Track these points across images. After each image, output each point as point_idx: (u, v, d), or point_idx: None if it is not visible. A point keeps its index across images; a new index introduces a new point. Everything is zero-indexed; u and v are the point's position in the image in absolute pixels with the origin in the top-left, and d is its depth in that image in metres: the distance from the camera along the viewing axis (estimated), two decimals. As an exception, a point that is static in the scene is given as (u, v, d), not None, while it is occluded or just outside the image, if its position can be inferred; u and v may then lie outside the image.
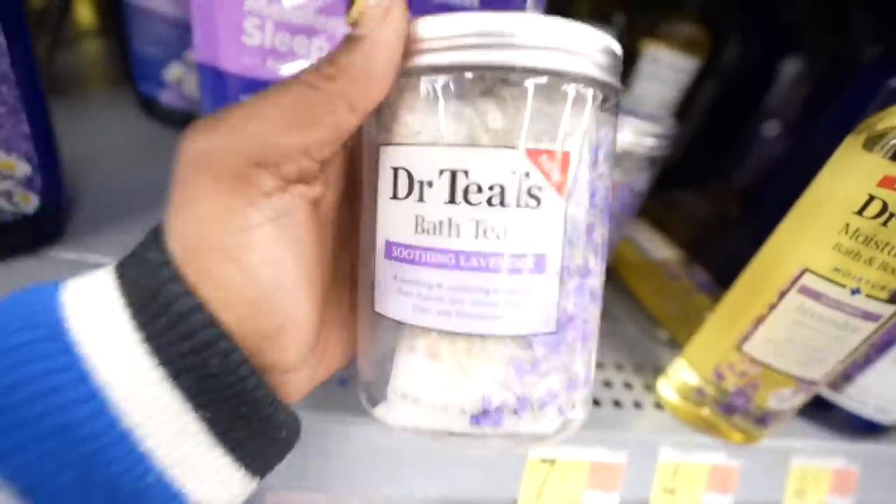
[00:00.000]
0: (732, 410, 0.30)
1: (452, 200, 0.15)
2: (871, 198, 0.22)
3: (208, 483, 0.15)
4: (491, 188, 0.15)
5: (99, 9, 0.58)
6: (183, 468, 0.14)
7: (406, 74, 0.16)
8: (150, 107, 0.45)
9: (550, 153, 0.15)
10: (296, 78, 0.15)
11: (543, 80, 0.15)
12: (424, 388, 0.18)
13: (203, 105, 0.29)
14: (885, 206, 0.22)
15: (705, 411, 0.31)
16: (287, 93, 0.15)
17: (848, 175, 0.23)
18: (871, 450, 0.36)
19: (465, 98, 0.15)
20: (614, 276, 0.45)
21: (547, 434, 0.18)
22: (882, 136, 0.23)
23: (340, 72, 0.15)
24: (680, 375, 0.32)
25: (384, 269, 0.17)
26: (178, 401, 0.14)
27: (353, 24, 0.15)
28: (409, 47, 0.16)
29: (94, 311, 0.13)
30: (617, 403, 0.32)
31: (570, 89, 0.15)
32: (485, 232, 0.16)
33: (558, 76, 0.15)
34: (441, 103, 0.15)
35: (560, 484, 0.29)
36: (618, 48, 0.16)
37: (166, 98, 0.44)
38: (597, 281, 0.18)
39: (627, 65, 0.51)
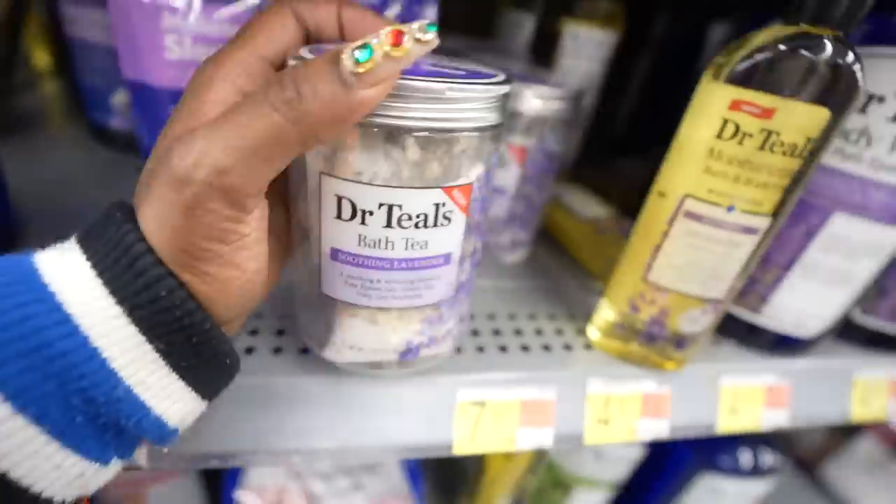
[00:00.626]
0: (653, 339, 0.32)
1: (389, 225, 0.22)
2: (725, 121, 0.25)
3: (166, 402, 0.18)
4: (418, 216, 0.22)
5: (53, 51, 0.61)
6: (145, 388, 0.17)
7: None
8: (102, 134, 0.48)
9: (460, 187, 0.23)
10: (271, 100, 0.16)
11: (454, 134, 0.21)
12: (365, 341, 0.26)
13: (135, 119, 0.32)
14: (737, 128, 0.24)
15: (632, 346, 0.33)
16: (258, 121, 0.16)
17: (705, 106, 0.26)
18: (797, 364, 0.38)
19: (392, 143, 0.20)
20: (550, 237, 0.47)
21: (445, 354, 0.29)
22: (726, 65, 0.25)
23: (318, 113, 0.16)
24: (603, 315, 0.34)
25: (330, 267, 0.24)
26: (135, 334, 0.17)
27: (354, 72, 0.16)
28: None
29: (62, 264, 0.16)
30: (546, 348, 0.34)
31: (470, 138, 0.22)
32: (412, 245, 0.23)
33: (459, 131, 0.21)
34: (378, 150, 0.20)
35: (493, 424, 0.31)
36: (504, 90, 0.22)
37: (115, 123, 0.47)
38: (479, 254, 0.27)
39: (551, 44, 0.53)
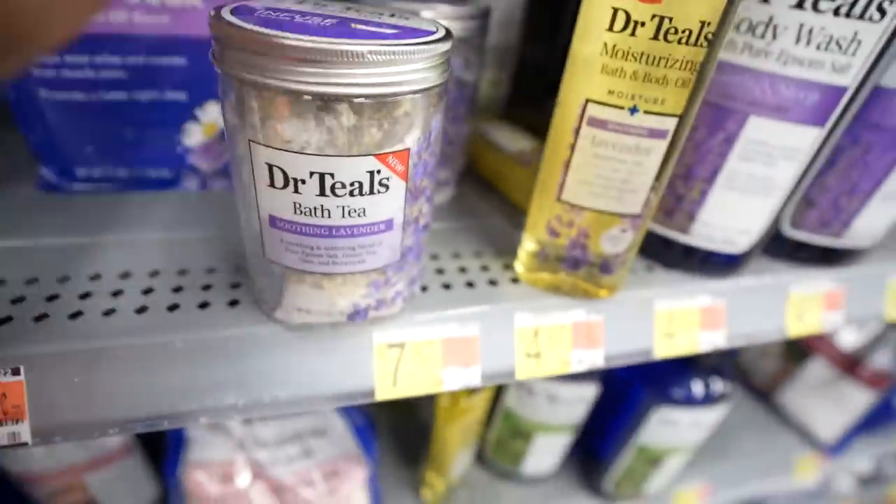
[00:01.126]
0: (576, 264, 0.31)
1: (322, 194, 0.22)
2: (615, 10, 0.23)
3: None
4: (352, 184, 0.22)
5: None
6: None
7: (272, 89, 0.19)
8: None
9: (396, 153, 0.22)
10: None
11: (384, 99, 0.20)
12: (313, 304, 0.26)
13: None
14: (628, 17, 0.23)
15: (559, 275, 0.32)
16: None
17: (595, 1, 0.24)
18: (732, 284, 0.38)
19: (325, 110, 0.20)
20: (477, 176, 0.46)
21: (395, 315, 0.29)
22: None
23: None
24: (525, 247, 0.32)
25: (270, 233, 0.24)
26: None
27: None
28: (275, 65, 0.18)
29: None
30: (470, 284, 0.33)
31: (407, 101, 0.21)
32: (349, 213, 0.22)
33: (395, 95, 0.20)
34: (308, 119, 0.20)
35: (414, 366, 0.30)
36: (442, 49, 0.21)
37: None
38: (425, 218, 0.27)
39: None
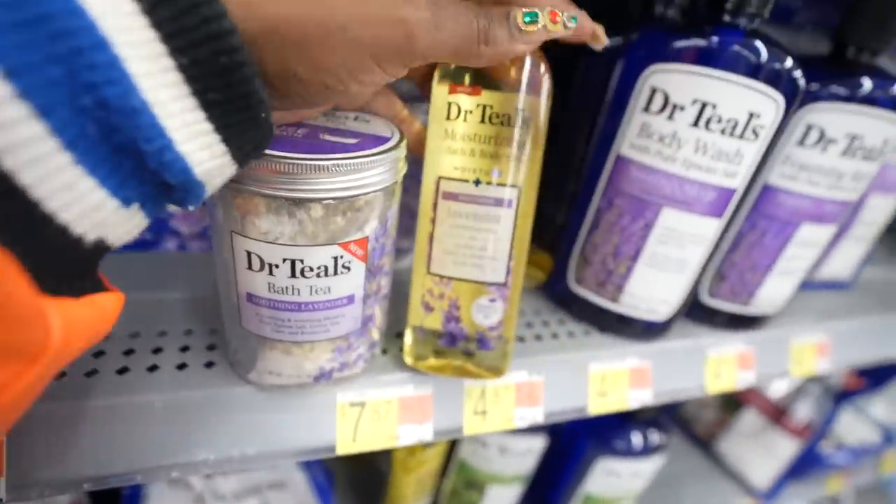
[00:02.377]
0: (453, 339, 0.33)
1: (293, 276, 0.26)
2: (449, 104, 0.28)
3: (190, 142, 0.16)
4: (319, 268, 0.26)
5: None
6: (164, 111, 0.15)
7: (252, 193, 0.23)
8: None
9: (356, 241, 0.26)
10: (476, 16, 0.22)
11: (347, 201, 0.24)
12: (283, 368, 0.30)
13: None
14: (459, 108, 0.28)
15: (442, 357, 0.33)
16: (464, 23, 0.22)
17: (437, 100, 0.28)
18: (657, 346, 0.43)
19: (297, 206, 0.24)
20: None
21: (357, 375, 0.33)
22: (445, 70, 0.28)
23: (488, 45, 0.23)
24: (407, 332, 0.34)
25: (247, 307, 0.27)
26: (154, 39, 0.15)
27: (520, 28, 0.23)
28: (256, 175, 0.22)
29: None
30: (426, 347, 0.36)
31: (364, 200, 0.25)
32: (316, 291, 0.27)
33: (358, 196, 0.24)
34: (282, 215, 0.24)
35: (373, 423, 0.33)
36: (398, 155, 0.26)
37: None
38: (385, 289, 0.31)
39: None
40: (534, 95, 0.27)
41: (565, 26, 0.24)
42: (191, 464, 0.29)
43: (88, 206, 0.15)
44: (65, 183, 0.14)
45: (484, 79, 0.27)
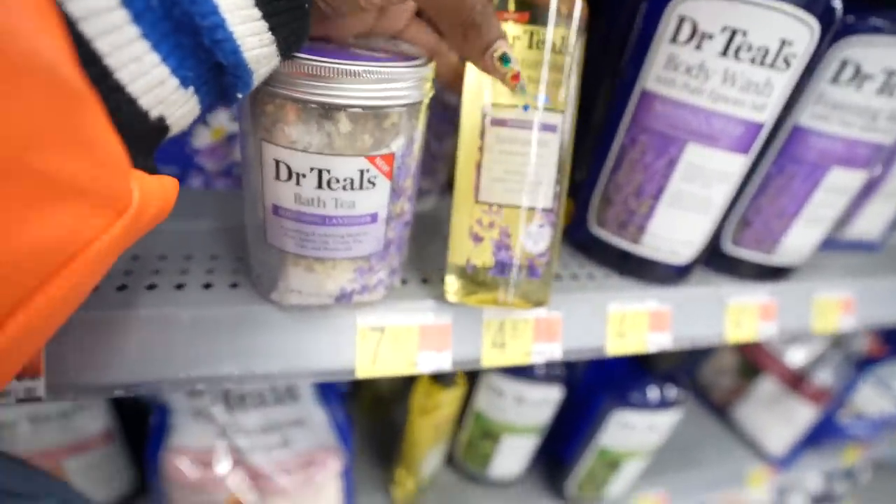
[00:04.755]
0: (503, 268, 0.31)
1: (320, 187, 0.26)
2: None
3: (241, 25, 0.18)
4: (345, 180, 0.26)
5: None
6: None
7: (283, 97, 0.23)
8: None
9: (383, 156, 0.26)
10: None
11: (376, 110, 0.24)
12: (306, 286, 0.30)
13: None
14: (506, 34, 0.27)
15: (489, 291, 0.32)
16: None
17: None
18: (678, 291, 0.42)
19: (327, 118, 0.24)
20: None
21: (377, 300, 0.33)
22: None
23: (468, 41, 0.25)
24: (451, 269, 0.33)
25: (272, 220, 0.28)
26: None
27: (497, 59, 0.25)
28: (287, 78, 0.23)
29: None
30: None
31: (393, 113, 0.25)
32: (342, 205, 0.27)
33: (385, 108, 0.25)
34: (311, 124, 0.24)
35: (393, 348, 0.33)
36: (425, 72, 0.26)
37: None
38: (408, 215, 0.31)
39: None
40: (574, 22, 0.28)
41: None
42: (216, 377, 0.30)
43: (153, 81, 0.16)
44: (133, 55, 0.15)
45: (529, 5, 0.27)
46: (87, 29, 0.14)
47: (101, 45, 0.15)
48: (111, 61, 0.15)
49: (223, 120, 0.41)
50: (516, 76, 0.26)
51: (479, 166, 0.30)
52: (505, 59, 0.25)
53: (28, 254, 0.14)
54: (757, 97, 0.33)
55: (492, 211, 0.31)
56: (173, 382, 0.30)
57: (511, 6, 0.27)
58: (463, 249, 0.32)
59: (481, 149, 0.30)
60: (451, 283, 0.33)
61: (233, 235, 0.38)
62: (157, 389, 0.30)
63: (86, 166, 0.15)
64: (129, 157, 0.17)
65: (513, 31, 0.28)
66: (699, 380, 0.89)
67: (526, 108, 0.29)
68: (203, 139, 0.41)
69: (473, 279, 0.32)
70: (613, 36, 0.40)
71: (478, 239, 0.31)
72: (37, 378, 0.27)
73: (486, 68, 0.25)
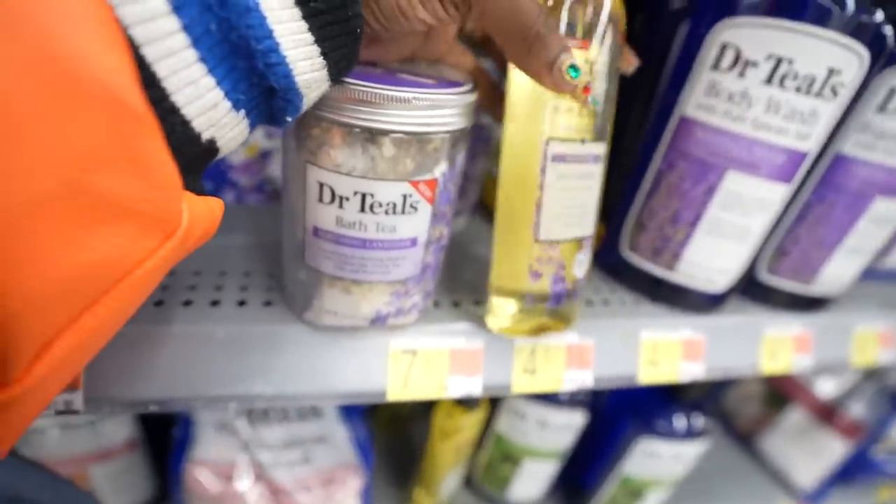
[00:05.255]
0: (560, 299, 0.32)
1: (363, 210, 0.26)
2: None
3: (293, 48, 0.18)
4: (388, 204, 0.26)
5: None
6: (270, 12, 0.16)
7: (329, 121, 0.24)
8: None
9: (426, 181, 0.26)
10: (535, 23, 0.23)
11: (420, 136, 0.24)
12: (341, 307, 0.30)
13: None
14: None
15: (537, 318, 0.32)
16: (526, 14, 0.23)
17: None
18: (712, 320, 0.41)
19: (371, 142, 0.24)
20: (485, 206, 0.50)
21: (410, 324, 0.33)
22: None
23: (535, 59, 0.24)
24: (501, 303, 0.32)
25: (312, 241, 0.28)
26: None
27: (560, 70, 0.24)
28: (335, 103, 0.23)
29: None
30: (478, 302, 0.36)
31: (437, 139, 0.25)
32: (383, 229, 0.27)
33: (430, 134, 0.25)
34: (356, 148, 0.24)
35: (424, 372, 0.33)
36: (471, 99, 0.26)
37: None
38: (445, 239, 0.31)
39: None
40: (617, 50, 0.27)
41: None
42: (248, 396, 0.30)
43: (208, 103, 0.17)
44: (191, 78, 0.16)
45: (588, 33, 0.26)
46: (149, 52, 0.14)
47: (161, 69, 0.15)
48: (169, 84, 0.15)
49: (258, 136, 0.41)
50: (587, 88, 0.25)
51: (539, 205, 0.29)
52: (573, 69, 0.24)
53: (79, 275, 0.14)
54: (801, 126, 0.33)
55: (550, 246, 0.30)
56: (207, 399, 0.30)
57: (579, 32, 0.26)
58: (520, 285, 0.31)
59: (541, 186, 0.28)
60: (502, 316, 0.32)
61: (265, 252, 0.38)
62: (190, 406, 0.30)
63: (141, 188, 0.15)
64: (182, 178, 0.17)
65: (577, 57, 0.26)
66: (723, 406, 0.87)
67: (584, 141, 0.28)
68: (237, 155, 0.41)
69: (531, 312, 0.32)
70: (647, 60, 0.40)
71: (537, 276, 0.30)
72: (75, 391, 0.27)
73: (555, 83, 0.24)
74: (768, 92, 0.32)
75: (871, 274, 0.55)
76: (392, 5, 0.22)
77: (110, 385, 0.28)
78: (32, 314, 0.13)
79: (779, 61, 0.31)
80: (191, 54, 0.15)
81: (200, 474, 0.46)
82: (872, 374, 0.75)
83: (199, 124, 0.17)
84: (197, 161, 0.18)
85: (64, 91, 0.12)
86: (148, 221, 0.15)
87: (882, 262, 0.55)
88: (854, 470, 0.76)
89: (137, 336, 0.29)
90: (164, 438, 0.49)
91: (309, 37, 0.18)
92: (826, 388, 0.75)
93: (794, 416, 0.77)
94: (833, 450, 0.73)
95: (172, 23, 0.14)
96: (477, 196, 0.47)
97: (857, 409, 0.72)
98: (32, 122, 0.12)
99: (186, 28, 0.15)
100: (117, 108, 0.13)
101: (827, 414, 0.74)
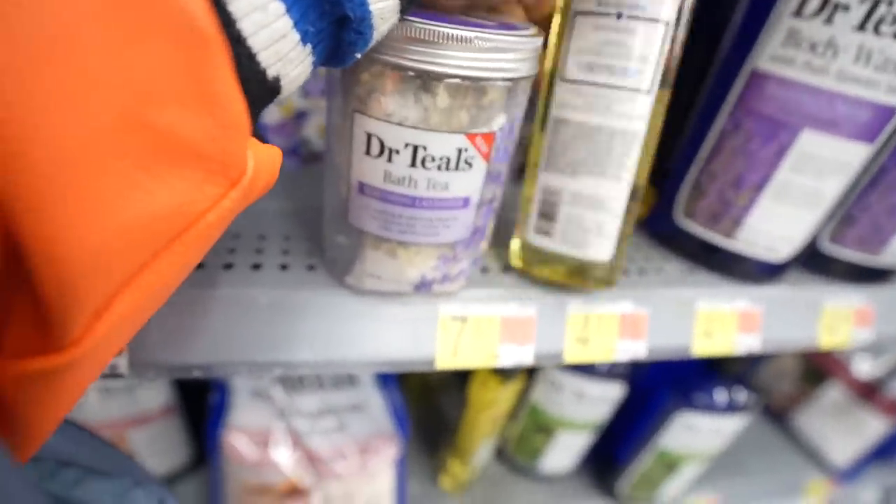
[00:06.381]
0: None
1: (413, 165, 0.24)
2: None
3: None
4: (441, 158, 0.24)
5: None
6: None
7: (382, 63, 0.21)
8: None
9: (483, 135, 0.24)
10: None
11: (477, 83, 0.22)
12: (385, 271, 0.28)
13: None
14: None
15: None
16: None
17: None
18: (769, 291, 0.39)
19: (425, 90, 0.22)
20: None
21: (456, 291, 0.31)
22: None
23: None
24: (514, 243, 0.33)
25: (357, 199, 0.26)
26: None
27: None
28: (389, 42, 0.21)
29: None
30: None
31: (497, 87, 0.23)
32: (434, 186, 0.25)
33: (489, 80, 0.22)
34: (409, 95, 0.22)
35: (474, 340, 0.31)
36: (536, 43, 0.23)
37: None
38: (497, 202, 0.29)
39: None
40: None
41: None
42: (292, 363, 0.29)
43: (276, 34, 0.15)
44: (257, 3, 0.14)
45: None
46: None
47: None
48: (235, 8, 0.13)
49: (293, 95, 0.39)
50: None
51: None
52: None
53: (139, 224, 0.13)
54: (895, 78, 0.30)
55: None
56: (251, 365, 0.29)
57: None
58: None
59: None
60: (514, 252, 0.33)
61: (304, 216, 0.36)
62: (234, 372, 0.29)
63: (209, 127, 0.13)
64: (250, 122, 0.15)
65: None
66: (756, 383, 0.85)
67: None
68: (272, 115, 0.40)
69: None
70: (714, 6, 0.37)
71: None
72: (120, 354, 0.26)
73: None
74: (860, 39, 0.29)
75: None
76: None
77: (155, 349, 0.27)
78: (92, 269, 0.12)
79: (876, 3, 0.28)
80: None
81: (237, 440, 0.45)
82: (918, 352, 0.72)
83: (265, 58, 0.15)
84: (259, 102, 0.16)
85: (128, 4, 0.11)
86: (214, 166, 0.14)
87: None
88: (892, 448, 0.74)
89: (180, 299, 0.27)
90: (201, 404, 0.48)
91: None
92: (867, 365, 0.72)
93: (832, 393, 0.75)
94: (872, 428, 0.71)
95: None
96: (521, 160, 0.45)
97: (901, 387, 0.69)
98: (91, 41, 0.10)
99: None
100: (187, 29, 0.12)
101: (868, 392, 0.71)
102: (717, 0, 0.37)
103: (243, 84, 0.15)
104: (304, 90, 0.40)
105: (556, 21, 0.28)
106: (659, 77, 0.26)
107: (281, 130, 0.40)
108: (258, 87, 0.15)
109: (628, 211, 0.30)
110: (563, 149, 0.29)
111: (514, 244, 0.33)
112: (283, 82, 0.16)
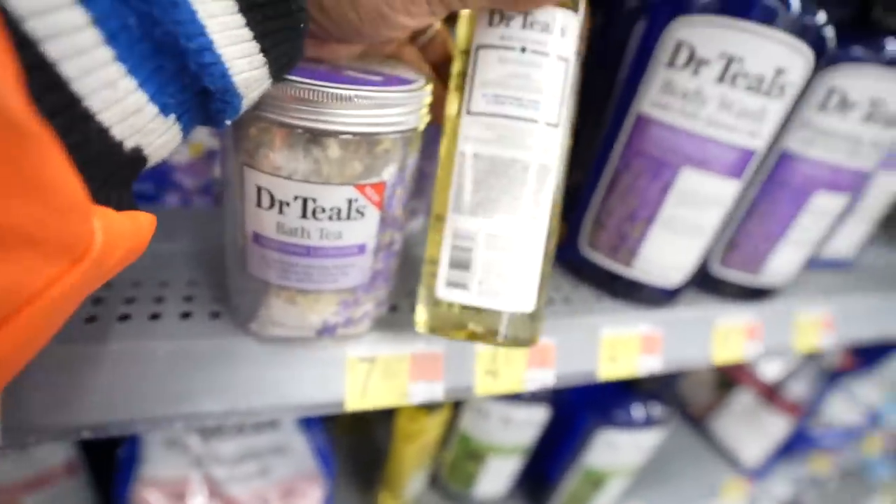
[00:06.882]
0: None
1: (304, 216, 0.24)
2: None
3: (229, 46, 0.16)
4: (332, 209, 0.24)
5: None
6: (204, 9, 0.15)
7: (268, 121, 0.22)
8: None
9: (372, 185, 0.24)
10: None
11: (366, 140, 0.23)
12: (288, 318, 0.28)
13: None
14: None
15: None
16: None
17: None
18: (668, 314, 0.42)
19: (315, 143, 0.22)
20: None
21: (362, 333, 0.31)
22: None
23: None
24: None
25: (253, 249, 0.26)
26: None
27: None
28: (273, 101, 0.21)
29: None
30: (438, 306, 0.35)
31: (386, 140, 0.23)
32: (327, 235, 0.25)
33: (378, 135, 0.23)
34: (297, 150, 0.22)
35: (383, 380, 0.32)
36: (422, 96, 0.24)
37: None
38: (397, 245, 0.29)
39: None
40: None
41: None
42: (195, 414, 0.28)
43: (128, 109, 0.15)
44: (106, 80, 0.14)
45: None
46: (52, 50, 0.12)
47: (68, 69, 0.13)
48: (80, 87, 0.13)
49: (203, 135, 0.39)
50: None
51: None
52: None
53: None
54: (752, 124, 0.33)
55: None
56: (149, 421, 0.27)
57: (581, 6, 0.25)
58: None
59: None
60: (420, 310, 0.29)
61: (212, 258, 0.35)
62: (130, 429, 0.27)
63: (36, 213, 0.13)
64: (101, 192, 0.15)
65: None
66: (677, 392, 0.90)
67: None
68: (182, 155, 0.39)
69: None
70: (604, 58, 0.40)
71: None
72: (-8, 421, 0.25)
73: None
74: (721, 90, 0.33)
75: (811, 263, 0.58)
76: (375, 11, 0.20)
77: (36, 411, 0.25)
78: None
79: (730, 60, 0.32)
80: (105, 53, 0.13)
81: (150, 495, 0.43)
82: (811, 356, 0.79)
83: (119, 132, 0.15)
84: (122, 171, 0.16)
85: None
86: (50, 248, 0.13)
87: (819, 251, 0.58)
88: (794, 445, 0.81)
89: (66, 356, 0.26)
90: (109, 459, 0.45)
91: (247, 32, 0.16)
92: (770, 370, 0.79)
93: (742, 398, 0.81)
94: (777, 428, 0.78)
95: (78, 15, 0.12)
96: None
97: (798, 389, 0.76)
98: None
99: (97, 22, 0.13)
100: (3, 128, 0.12)
101: (771, 395, 0.78)
102: (614, 44, 0.40)
103: (97, 158, 0.14)
104: (214, 129, 0.39)
105: (458, 57, 0.27)
106: (565, 112, 0.26)
107: (191, 170, 0.40)
108: (117, 159, 0.15)
109: (546, 253, 0.27)
110: (475, 187, 0.26)
111: (420, 312, 0.28)
112: (146, 151, 0.16)
